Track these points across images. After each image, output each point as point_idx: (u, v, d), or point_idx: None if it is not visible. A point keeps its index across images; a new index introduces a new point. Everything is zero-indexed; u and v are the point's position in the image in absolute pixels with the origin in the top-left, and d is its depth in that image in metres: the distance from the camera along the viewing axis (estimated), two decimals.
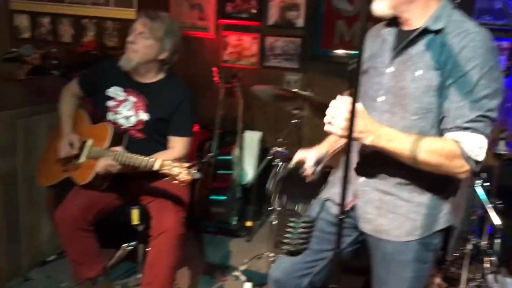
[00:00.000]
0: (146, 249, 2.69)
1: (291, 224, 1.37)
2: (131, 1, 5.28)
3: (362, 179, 1.65)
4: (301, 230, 1.37)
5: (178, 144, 2.44)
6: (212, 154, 3.42)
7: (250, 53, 3.89)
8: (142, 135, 2.44)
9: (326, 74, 3.70)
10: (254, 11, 3.82)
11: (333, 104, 1.39)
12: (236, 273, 2.75)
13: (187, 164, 2.03)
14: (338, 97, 1.40)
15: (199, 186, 3.37)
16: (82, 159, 2.40)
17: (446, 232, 1.63)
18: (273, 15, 3.80)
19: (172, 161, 2.07)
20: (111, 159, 2.21)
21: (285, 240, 1.37)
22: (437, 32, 1.47)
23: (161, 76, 2.47)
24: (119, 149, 2.26)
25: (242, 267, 2.77)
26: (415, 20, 1.51)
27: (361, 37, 1.25)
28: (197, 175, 2.01)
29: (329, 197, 1.72)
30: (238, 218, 3.57)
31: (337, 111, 1.37)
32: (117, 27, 5.50)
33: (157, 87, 2.45)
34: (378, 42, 1.63)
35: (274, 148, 2.46)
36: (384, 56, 1.58)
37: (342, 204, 1.31)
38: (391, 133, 1.42)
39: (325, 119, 1.40)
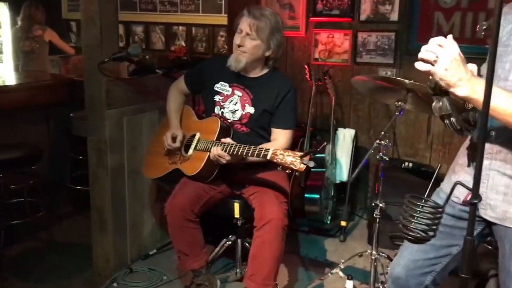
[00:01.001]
0: (244, 243, 2.73)
1: (418, 209, 1.29)
2: (220, 7, 5.44)
3: (485, 162, 1.53)
4: (428, 216, 1.28)
5: (281, 136, 2.44)
6: (326, 143, 3.39)
7: (342, 49, 3.83)
8: (246, 129, 2.48)
9: None
10: (345, 7, 3.76)
11: (438, 41, 1.29)
12: (335, 270, 2.68)
13: (300, 153, 2.01)
14: (441, 37, 1.30)
15: (292, 183, 3.35)
16: (191, 151, 2.47)
17: None
18: (365, 11, 3.71)
19: (284, 150, 2.06)
20: (220, 150, 2.25)
21: (411, 226, 1.29)
22: None
23: (265, 70, 2.50)
24: (229, 140, 2.29)
25: (343, 265, 2.70)
26: None
27: (497, 23, 1.14)
28: (311, 164, 1.98)
29: (460, 181, 1.59)
30: (331, 217, 3.51)
31: (445, 50, 1.27)
32: (206, 33, 5.68)
33: (262, 81, 2.48)
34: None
35: (376, 141, 2.38)
36: None
37: (476, 187, 1.22)
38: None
39: (423, 55, 1.30)
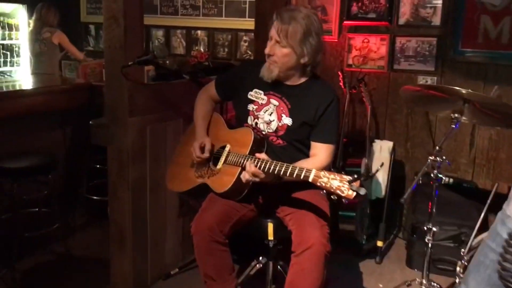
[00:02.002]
0: (276, 266, 2.49)
1: None
2: (244, 11, 5.23)
3: None
4: None
5: (321, 152, 2.19)
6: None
7: (378, 55, 3.58)
8: (283, 142, 2.24)
9: (468, 77, 3.29)
10: (382, 10, 3.52)
11: None
12: None
13: (348, 177, 1.76)
14: None
15: None
16: (220, 165, 2.24)
17: None
18: (404, 14, 3.47)
19: (329, 172, 1.81)
20: (254, 167, 2.01)
21: None
22: None
23: (305, 78, 2.25)
24: (263, 156, 2.05)
25: None
26: None
27: None
28: (362, 191, 1.72)
29: None
30: (366, 237, 3.24)
31: None
32: (228, 37, 5.47)
33: (302, 90, 2.23)
34: None
35: (431, 157, 2.13)
36: None
37: None
38: None
39: None
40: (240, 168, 2.12)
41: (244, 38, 5.39)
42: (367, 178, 1.81)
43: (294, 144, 2.24)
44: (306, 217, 2.11)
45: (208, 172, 2.29)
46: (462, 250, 2.27)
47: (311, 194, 2.25)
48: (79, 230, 3.56)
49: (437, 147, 2.13)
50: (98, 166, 3.80)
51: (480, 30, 3.25)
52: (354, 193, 1.73)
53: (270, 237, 2.27)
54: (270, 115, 2.24)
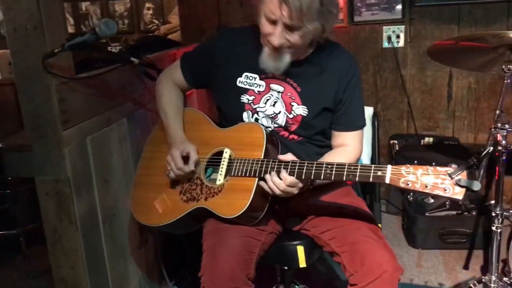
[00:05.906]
0: None
1: None
2: None
3: None
4: None
5: (351, 140, 1.66)
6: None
7: None
8: (298, 137, 1.65)
9: (440, 21, 2.92)
10: None
11: None
12: None
13: (445, 168, 1.24)
14: None
15: None
16: (221, 179, 1.57)
17: None
18: None
19: (413, 166, 1.27)
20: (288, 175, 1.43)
21: None
22: None
23: (313, 47, 1.63)
24: (291, 157, 1.47)
25: None
26: None
27: None
28: (476, 186, 1.21)
29: None
30: None
31: None
32: (127, 6, 4.60)
33: (312, 64, 1.63)
34: None
35: (493, 125, 1.66)
36: None
37: None
38: None
39: None
40: (256, 179, 1.51)
41: (147, 5, 4.56)
42: (475, 165, 1.26)
43: (313, 138, 1.67)
44: (356, 233, 1.55)
45: (203, 191, 1.61)
46: None
47: (343, 195, 1.74)
48: None
49: (498, 111, 1.68)
50: None
51: None
52: (464, 190, 1.23)
53: (302, 263, 1.68)
54: (274, 105, 1.62)
